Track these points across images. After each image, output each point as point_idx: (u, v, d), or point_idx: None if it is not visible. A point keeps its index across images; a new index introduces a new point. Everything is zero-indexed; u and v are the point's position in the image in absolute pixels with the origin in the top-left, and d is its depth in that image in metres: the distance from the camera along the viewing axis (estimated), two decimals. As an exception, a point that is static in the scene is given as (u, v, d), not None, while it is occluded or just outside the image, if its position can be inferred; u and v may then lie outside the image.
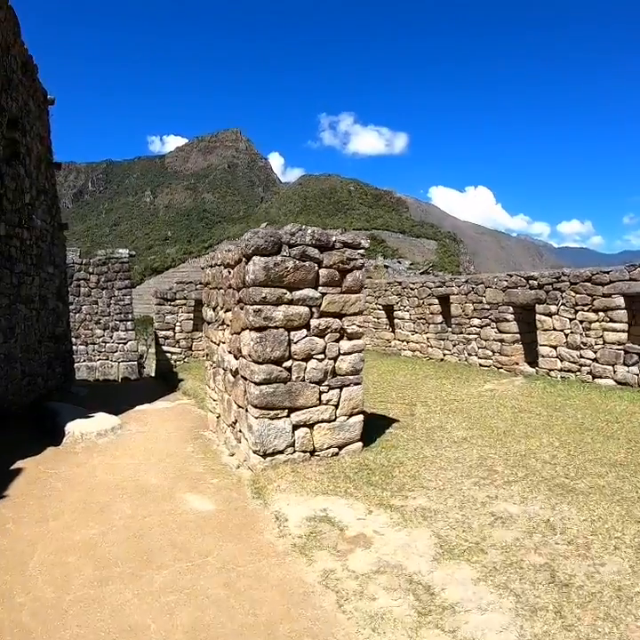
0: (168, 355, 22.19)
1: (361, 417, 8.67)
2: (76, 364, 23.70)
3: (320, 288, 8.11)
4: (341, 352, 8.36)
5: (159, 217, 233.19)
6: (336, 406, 8.38)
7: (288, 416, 7.96)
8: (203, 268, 11.57)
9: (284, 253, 7.78)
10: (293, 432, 8.02)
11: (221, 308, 9.82)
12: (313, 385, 8.11)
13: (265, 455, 7.85)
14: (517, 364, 15.99)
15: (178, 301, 22.17)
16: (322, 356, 8.17)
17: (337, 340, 8.33)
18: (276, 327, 7.80)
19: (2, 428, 10.80)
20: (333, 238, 8.17)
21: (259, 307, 7.68)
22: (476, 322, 17.57)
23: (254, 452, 7.90)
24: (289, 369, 7.95)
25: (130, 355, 26.98)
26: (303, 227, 8.00)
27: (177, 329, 22.20)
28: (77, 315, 25.78)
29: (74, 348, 24.25)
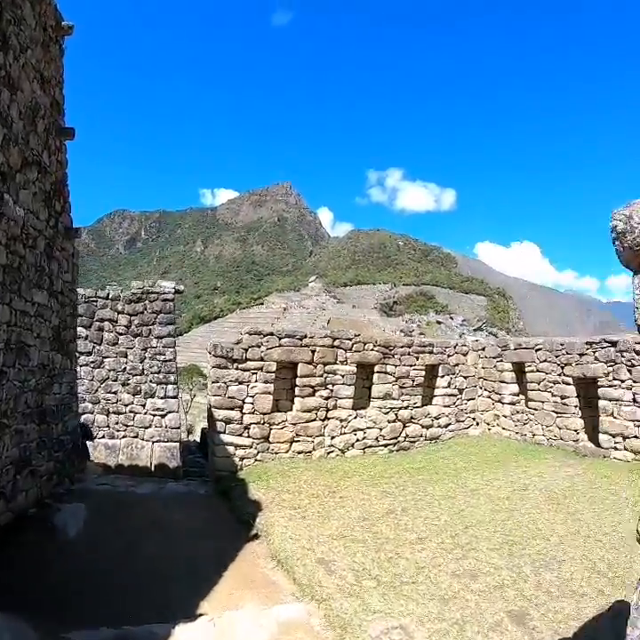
0: (230, 448, 13.21)
1: None
2: (91, 441, 16.44)
3: None
4: None
5: (209, 267, 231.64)
6: None
7: None
8: None
9: None
10: None
11: None
12: None
13: None
14: None
15: (250, 363, 13.39)
16: None
17: None
18: None
19: None
20: None
21: None
22: None
23: None
24: None
25: (170, 433, 17.88)
26: None
27: (246, 408, 13.36)
28: (97, 371, 17.14)
29: (89, 416, 16.65)
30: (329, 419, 14.05)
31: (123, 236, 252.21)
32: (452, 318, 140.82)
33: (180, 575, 7.56)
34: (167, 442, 17.81)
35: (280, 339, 13.47)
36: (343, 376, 14.18)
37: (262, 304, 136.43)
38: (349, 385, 14.24)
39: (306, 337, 13.77)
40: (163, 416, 17.75)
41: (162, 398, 17.68)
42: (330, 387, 14.05)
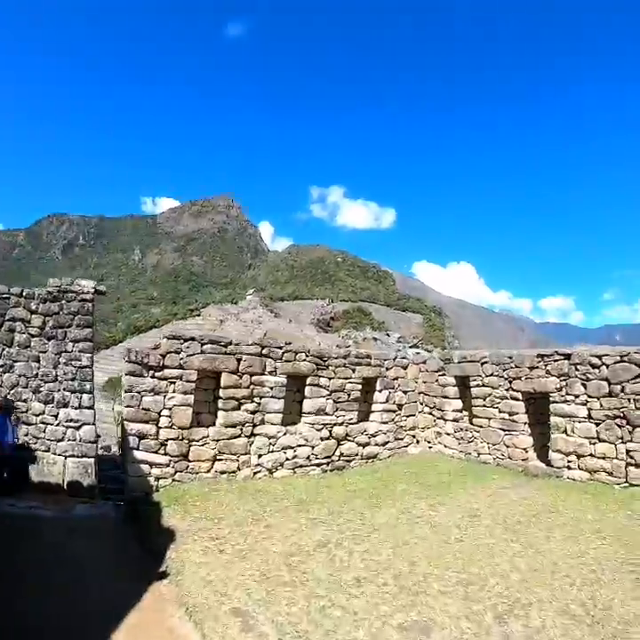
0: (144, 467, 11.65)
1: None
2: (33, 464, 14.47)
3: None
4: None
5: (146, 276, 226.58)
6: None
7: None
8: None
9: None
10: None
11: None
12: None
13: None
14: None
15: (168, 371, 11.89)
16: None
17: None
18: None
19: None
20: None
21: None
22: None
23: None
24: None
25: (85, 447, 16.03)
26: None
27: (163, 421, 11.85)
28: (6, 376, 15.20)
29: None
30: (256, 435, 12.67)
31: (60, 240, 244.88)
32: (388, 335, 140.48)
33: (68, 627, 6.00)
34: (81, 457, 16.03)
35: (202, 344, 12.02)
36: (272, 388, 12.82)
37: (199, 316, 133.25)
38: (279, 398, 12.88)
39: (231, 344, 12.37)
40: (77, 428, 15.93)
41: (76, 408, 15.89)
42: (257, 399, 12.67)
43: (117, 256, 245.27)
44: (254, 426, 12.60)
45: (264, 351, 12.79)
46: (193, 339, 12.05)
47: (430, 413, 15.55)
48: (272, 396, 12.76)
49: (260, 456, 12.63)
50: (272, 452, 12.81)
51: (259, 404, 12.64)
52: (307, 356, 13.39)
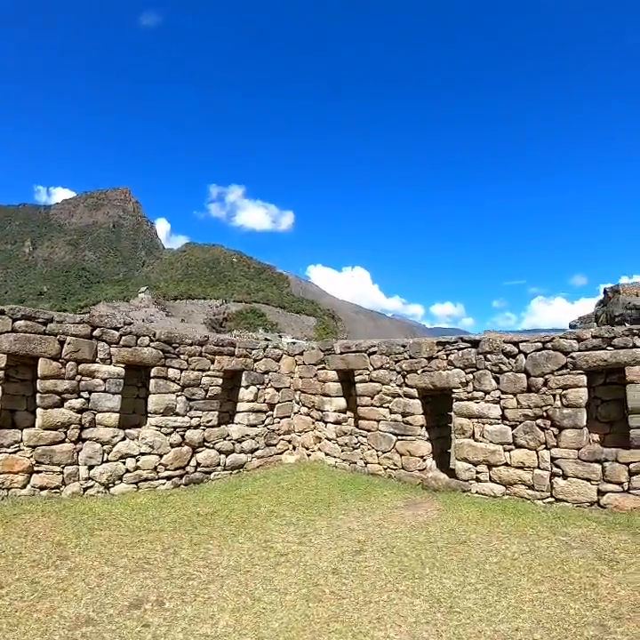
0: None
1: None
2: None
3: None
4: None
5: (36, 270, 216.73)
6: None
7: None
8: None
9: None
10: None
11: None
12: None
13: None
14: None
15: (-35, 354, 8.75)
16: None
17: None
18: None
19: None
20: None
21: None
22: None
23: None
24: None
25: None
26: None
27: (-45, 420, 8.76)
28: None
29: None
30: (85, 440, 9.69)
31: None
32: (281, 336, 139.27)
33: None
34: None
35: (14, 320, 8.99)
36: (105, 380, 9.90)
37: (88, 313, 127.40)
38: (114, 393, 9.95)
39: (52, 321, 9.35)
40: None
41: None
42: (85, 394, 9.70)
43: (6, 247, 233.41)
44: (83, 428, 9.63)
45: (95, 332, 9.86)
46: (2, 312, 9.02)
47: (308, 414, 13.11)
48: (105, 391, 9.84)
49: (91, 467, 9.70)
50: (107, 461, 9.89)
51: (88, 400, 9.68)
52: (151, 340, 10.58)
